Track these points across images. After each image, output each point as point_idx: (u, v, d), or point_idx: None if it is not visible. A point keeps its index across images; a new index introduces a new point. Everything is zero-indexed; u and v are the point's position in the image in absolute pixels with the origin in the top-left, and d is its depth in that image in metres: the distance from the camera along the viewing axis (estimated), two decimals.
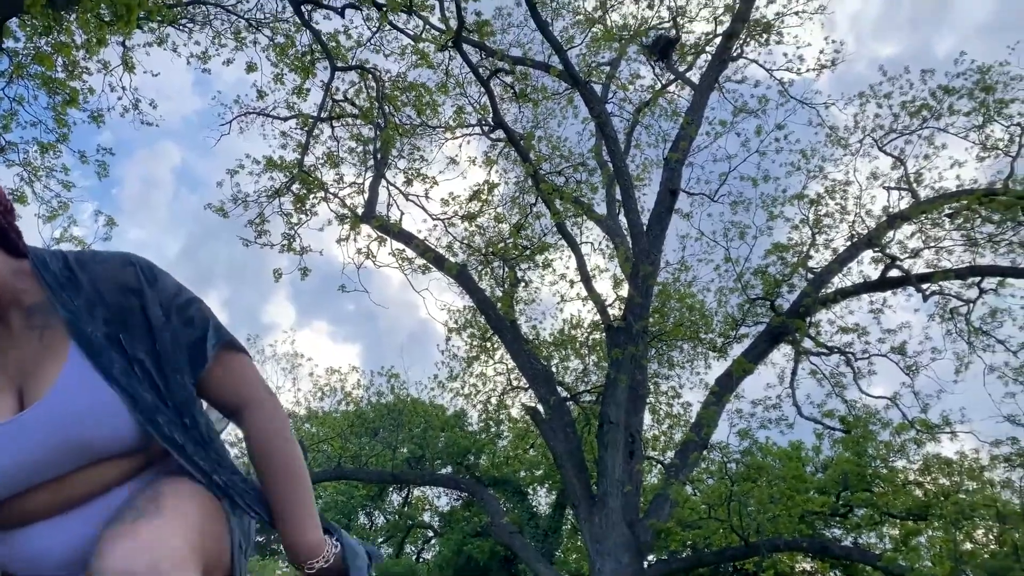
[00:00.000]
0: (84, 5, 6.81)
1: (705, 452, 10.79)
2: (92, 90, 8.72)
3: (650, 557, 10.44)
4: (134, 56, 8.73)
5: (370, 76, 10.09)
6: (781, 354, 11.46)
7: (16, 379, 1.27)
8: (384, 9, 8.19)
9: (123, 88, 9.39)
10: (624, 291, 10.65)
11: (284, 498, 1.39)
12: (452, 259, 11.04)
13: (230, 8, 9.57)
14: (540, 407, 10.50)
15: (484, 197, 11.50)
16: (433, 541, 20.40)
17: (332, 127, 10.83)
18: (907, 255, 10.89)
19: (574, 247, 11.19)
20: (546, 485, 17.77)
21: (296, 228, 10.50)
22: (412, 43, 9.71)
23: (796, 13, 12.02)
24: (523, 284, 12.24)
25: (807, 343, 11.16)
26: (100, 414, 1.26)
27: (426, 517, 20.01)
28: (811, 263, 11.17)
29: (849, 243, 11.20)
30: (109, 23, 7.54)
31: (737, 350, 11.32)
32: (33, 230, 8.80)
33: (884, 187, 11.63)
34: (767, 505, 9.55)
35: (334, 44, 9.39)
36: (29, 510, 1.28)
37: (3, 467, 1.22)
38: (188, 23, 9.64)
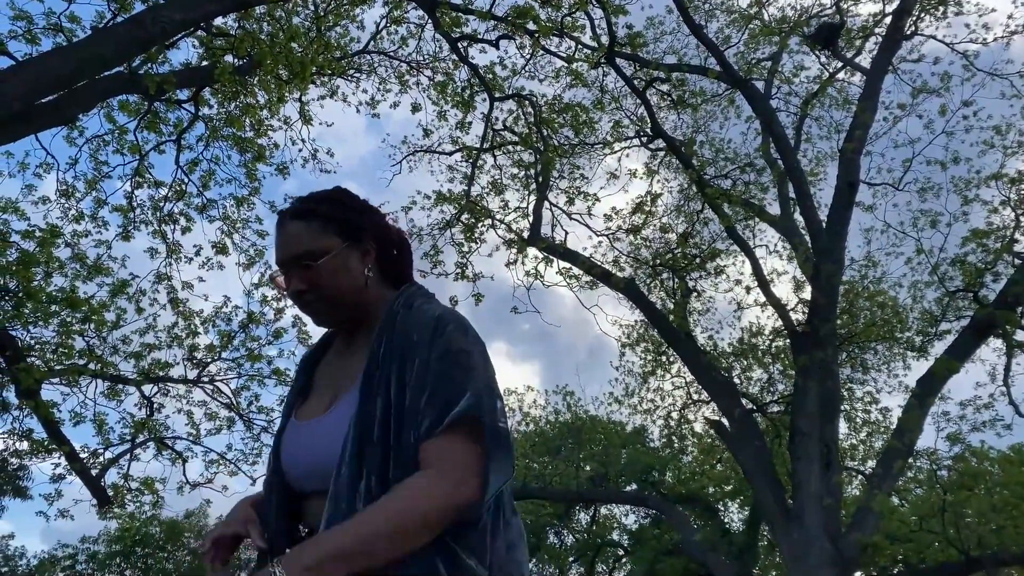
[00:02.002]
0: (265, 68, 7.45)
1: (910, 460, 10.05)
2: (277, 145, 9.48)
3: (857, 574, 9.79)
4: (310, 110, 9.43)
5: (527, 103, 10.31)
6: (990, 349, 10.52)
7: (336, 388, 1.52)
8: (536, 35, 8.34)
9: (303, 140, 10.17)
10: (806, 293, 10.16)
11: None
12: (619, 273, 10.98)
13: (392, 55, 10.13)
14: (724, 420, 10.16)
15: (648, 208, 11.38)
16: (624, 560, 20.18)
17: (494, 156, 11.15)
18: None
19: (748, 251, 10.79)
20: (737, 501, 17.13)
21: (468, 256, 10.86)
22: (566, 64, 9.82)
23: None
24: (695, 294, 11.96)
25: (1020, 335, 10.16)
26: (331, 445, 1.39)
27: (615, 536, 19.85)
28: (1017, 247, 10.14)
29: None
30: (287, 82, 8.21)
31: (939, 348, 10.51)
32: (234, 277, 9.66)
33: None
34: (989, 515, 8.70)
35: (491, 76, 9.69)
36: (311, 522, 1.44)
37: (290, 457, 1.49)
38: (355, 73, 10.29)
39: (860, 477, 12.96)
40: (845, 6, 11.89)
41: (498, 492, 1.39)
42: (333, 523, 1.29)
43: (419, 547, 1.27)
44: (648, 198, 11.41)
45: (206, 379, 8.88)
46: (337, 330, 1.65)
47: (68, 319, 7.78)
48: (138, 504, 9.21)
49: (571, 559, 19.80)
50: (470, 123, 10.27)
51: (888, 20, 11.10)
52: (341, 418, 1.41)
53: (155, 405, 8.71)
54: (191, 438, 9.00)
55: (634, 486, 17.71)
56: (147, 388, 8.60)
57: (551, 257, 10.99)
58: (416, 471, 1.31)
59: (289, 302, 1.56)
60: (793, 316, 10.20)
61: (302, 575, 1.17)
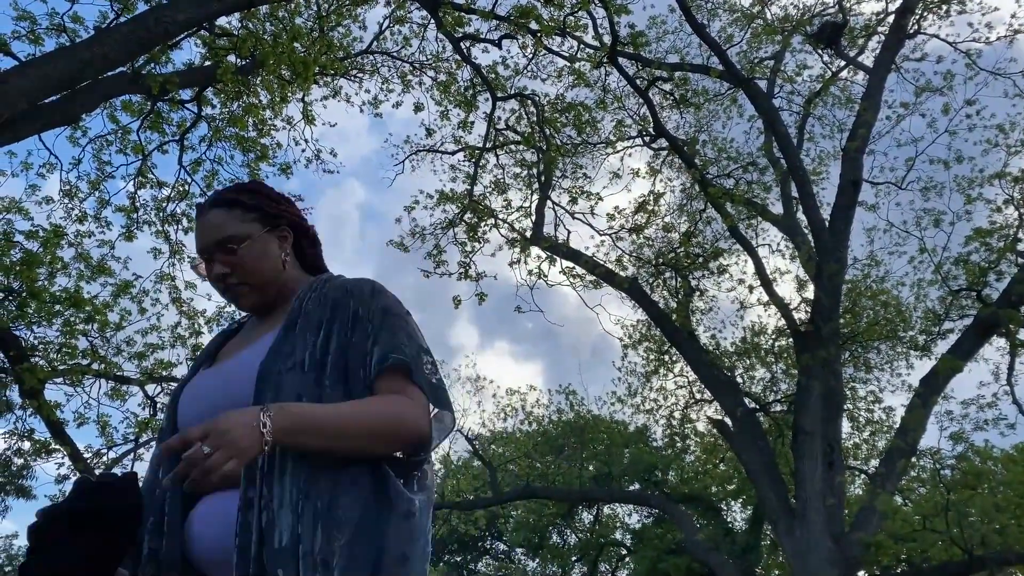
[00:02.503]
0: (268, 67, 7.46)
1: (914, 459, 10.03)
2: (280, 145, 9.50)
3: (860, 573, 9.77)
4: (313, 110, 9.43)
5: (529, 102, 10.30)
6: (994, 348, 10.48)
7: (248, 343, 1.56)
8: (539, 35, 8.34)
9: (305, 140, 10.17)
10: (809, 292, 10.14)
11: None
12: (622, 273, 10.97)
13: (395, 55, 10.13)
14: (727, 419, 10.15)
15: (650, 208, 11.37)
16: (627, 559, 20.17)
17: (497, 155, 11.15)
18: None
19: (750, 250, 10.78)
20: (740, 500, 17.11)
21: (471, 256, 10.87)
22: (568, 64, 9.82)
23: None
24: (698, 293, 11.94)
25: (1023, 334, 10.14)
26: (247, 377, 1.41)
27: (618, 535, 19.83)
28: (1021, 246, 10.12)
29: None
30: (289, 82, 8.21)
31: (942, 347, 10.46)
32: None
33: None
34: (992, 514, 8.69)
35: (493, 75, 9.69)
36: None
37: (187, 404, 1.51)
38: (358, 73, 10.28)
39: (863, 476, 12.95)
40: (848, 5, 11.89)
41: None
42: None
43: (373, 454, 1.36)
44: (651, 197, 11.42)
45: None
46: (255, 314, 1.69)
47: (72, 319, 7.79)
48: None
49: (574, 558, 19.79)
50: (473, 123, 10.28)
51: (891, 19, 11.08)
52: (254, 355, 1.46)
53: (158, 405, 8.72)
54: None
55: (637, 485, 17.70)
56: (151, 388, 8.60)
57: (554, 256, 10.99)
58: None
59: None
60: (796, 315, 10.18)
61: (279, 435, 1.23)
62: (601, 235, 11.38)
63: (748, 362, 12.79)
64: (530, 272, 10.87)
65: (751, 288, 11.41)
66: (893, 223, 11.56)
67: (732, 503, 17.55)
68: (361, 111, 10.38)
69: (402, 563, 1.31)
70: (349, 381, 1.42)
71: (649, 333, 12.85)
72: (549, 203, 11.31)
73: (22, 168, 8.28)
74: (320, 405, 1.34)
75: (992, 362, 10.89)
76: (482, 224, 11.00)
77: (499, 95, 9.87)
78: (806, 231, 10.59)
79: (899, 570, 10.70)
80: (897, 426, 9.97)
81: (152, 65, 7.20)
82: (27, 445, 8.55)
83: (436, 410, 1.44)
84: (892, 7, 11.30)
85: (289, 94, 8.73)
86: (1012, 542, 8.56)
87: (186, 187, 8.87)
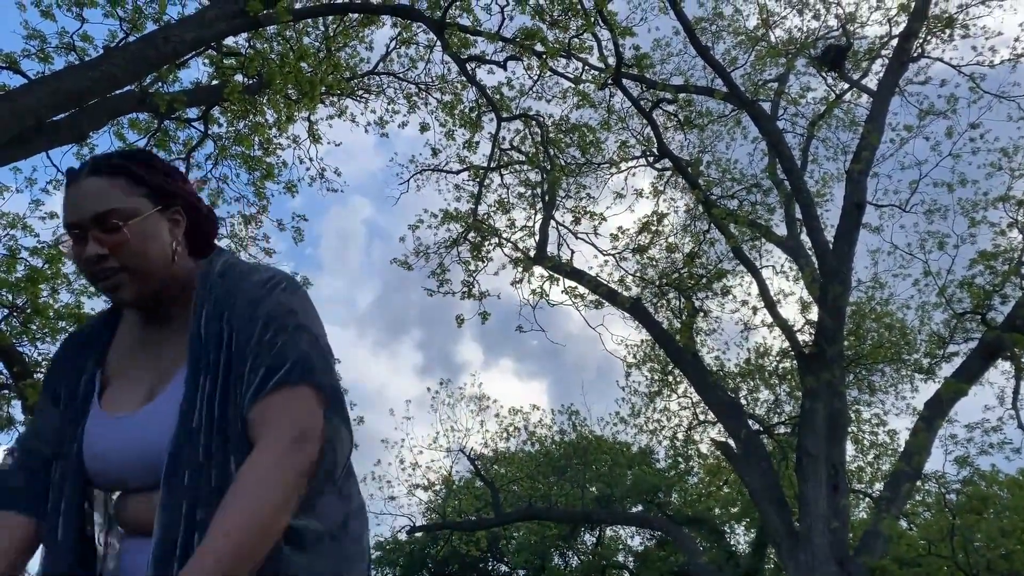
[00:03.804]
0: (274, 87, 7.51)
1: (919, 483, 9.95)
2: (285, 163, 9.56)
3: None
4: (319, 129, 9.50)
5: (534, 123, 10.36)
6: (999, 372, 10.45)
7: (154, 379, 1.33)
8: (544, 56, 8.40)
9: (311, 159, 10.26)
10: (813, 314, 10.11)
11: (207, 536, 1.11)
12: (625, 293, 10.97)
13: (400, 76, 10.21)
14: (731, 441, 10.09)
15: (654, 228, 11.39)
16: None
17: (501, 175, 11.21)
18: None
19: (754, 272, 10.77)
20: (744, 523, 16.99)
21: (474, 275, 10.88)
22: (573, 85, 9.88)
23: (983, 2, 11.08)
24: (702, 314, 11.92)
25: None
26: (158, 437, 1.25)
27: (620, 557, 19.67)
28: None
29: None
30: (296, 101, 8.27)
31: (947, 370, 10.43)
32: None
33: None
34: (998, 539, 8.60)
35: (498, 96, 9.75)
36: (130, 518, 1.30)
37: (102, 453, 1.29)
38: (364, 94, 10.36)
39: (868, 500, 12.85)
40: (852, 28, 11.95)
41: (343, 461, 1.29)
42: (173, 520, 1.17)
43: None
44: (654, 218, 11.43)
45: None
46: (135, 308, 1.41)
47: None
48: None
49: None
50: (477, 142, 10.36)
51: (895, 42, 11.13)
52: (169, 407, 1.26)
53: None
54: None
55: (640, 507, 17.59)
56: None
57: (557, 276, 11.00)
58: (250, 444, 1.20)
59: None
60: (800, 337, 10.15)
61: None
62: (605, 255, 11.41)
63: (752, 384, 12.75)
64: (533, 291, 10.88)
65: (755, 309, 11.40)
66: (897, 245, 11.59)
67: (736, 526, 17.42)
68: (366, 131, 10.47)
69: None
70: (230, 439, 1.23)
71: (653, 353, 12.82)
72: (553, 223, 11.34)
73: (27, 184, 8.32)
74: (212, 550, 1.06)
75: (997, 386, 10.83)
76: (486, 243, 11.03)
77: (504, 115, 9.93)
78: (810, 253, 10.58)
79: None
80: (902, 449, 9.92)
81: (160, 84, 7.26)
82: None
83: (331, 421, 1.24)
84: (896, 31, 11.37)
85: (295, 113, 8.80)
86: (1018, 567, 8.47)
87: None
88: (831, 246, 9.95)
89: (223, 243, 8.08)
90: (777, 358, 12.51)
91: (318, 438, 1.19)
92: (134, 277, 1.30)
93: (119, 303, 1.37)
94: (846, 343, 9.87)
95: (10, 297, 7.08)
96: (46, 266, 7.30)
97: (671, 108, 10.95)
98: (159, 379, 1.33)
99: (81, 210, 1.27)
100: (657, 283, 11.70)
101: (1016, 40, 11.38)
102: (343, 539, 1.29)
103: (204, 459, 1.21)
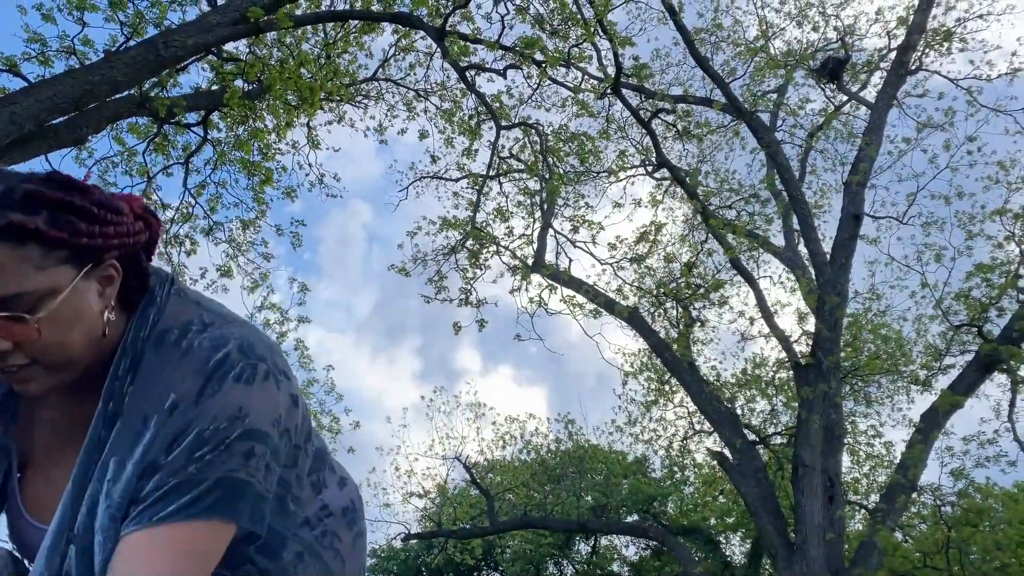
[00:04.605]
0: (274, 93, 7.52)
1: (915, 495, 9.94)
2: (284, 168, 9.56)
3: None
4: (318, 135, 9.51)
5: (533, 131, 10.39)
6: (995, 385, 10.48)
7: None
8: (543, 65, 8.42)
9: (310, 164, 10.28)
10: (810, 325, 10.12)
11: None
12: (623, 302, 10.98)
13: (400, 82, 10.23)
14: (727, 451, 10.09)
15: (652, 238, 11.40)
16: None
17: (500, 183, 11.23)
18: None
19: (751, 282, 10.79)
20: (739, 533, 16.96)
21: (472, 283, 10.89)
22: (572, 94, 9.91)
23: (980, 16, 11.15)
24: (699, 324, 11.93)
25: None
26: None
27: (615, 567, 19.62)
28: (1022, 283, 10.13)
29: None
30: (295, 107, 8.28)
31: (943, 382, 10.43)
32: (238, 301, 9.71)
33: None
34: (993, 552, 8.59)
35: (498, 104, 9.78)
36: None
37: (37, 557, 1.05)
38: (363, 100, 10.38)
39: (863, 511, 12.83)
40: (850, 40, 12.01)
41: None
42: None
43: None
44: (652, 227, 11.45)
45: None
46: None
47: None
48: None
49: None
50: (476, 150, 10.37)
51: (893, 55, 11.19)
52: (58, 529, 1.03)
53: None
54: None
55: (635, 517, 17.55)
56: None
57: (555, 285, 11.00)
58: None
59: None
60: (797, 348, 10.16)
61: None
62: (603, 264, 11.42)
63: (748, 394, 12.74)
64: (531, 300, 10.89)
65: (752, 320, 11.40)
66: (894, 257, 11.59)
67: (731, 536, 17.39)
68: (365, 136, 10.48)
69: None
70: None
71: (650, 363, 12.82)
72: (551, 231, 11.35)
73: None
74: None
75: (993, 398, 10.86)
76: (484, 251, 11.04)
77: (503, 124, 9.95)
78: (807, 264, 10.61)
79: None
80: (897, 461, 9.92)
81: (159, 88, 7.27)
82: None
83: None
84: (894, 43, 11.43)
85: (295, 119, 8.81)
86: None
87: (190, 210, 8.93)
88: (828, 257, 9.97)
89: (220, 248, 8.00)
90: (774, 369, 12.52)
91: None
92: (50, 370, 0.99)
93: (29, 396, 1.03)
94: (843, 354, 9.87)
95: None
96: None
97: (670, 118, 10.99)
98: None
99: None
100: (654, 293, 11.71)
101: (1013, 54, 11.42)
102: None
103: None
